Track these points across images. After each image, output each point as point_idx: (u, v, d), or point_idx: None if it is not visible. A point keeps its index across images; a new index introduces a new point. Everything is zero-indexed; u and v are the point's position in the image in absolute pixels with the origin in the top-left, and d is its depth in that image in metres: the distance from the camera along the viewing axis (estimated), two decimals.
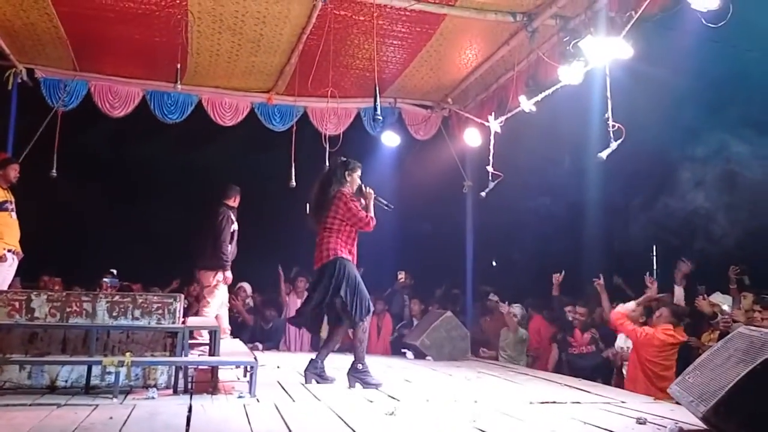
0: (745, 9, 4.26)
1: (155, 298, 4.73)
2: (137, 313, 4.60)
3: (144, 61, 7.39)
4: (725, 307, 5.34)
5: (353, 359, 4.91)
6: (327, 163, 7.14)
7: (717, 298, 5.75)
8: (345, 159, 5.24)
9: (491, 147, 6.05)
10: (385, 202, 5.18)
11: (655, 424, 3.69)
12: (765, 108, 5.53)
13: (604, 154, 5.12)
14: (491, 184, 5.73)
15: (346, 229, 4.97)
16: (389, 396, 4.49)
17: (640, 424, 3.69)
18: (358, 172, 5.19)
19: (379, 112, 5.98)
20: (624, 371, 5.97)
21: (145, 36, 6.72)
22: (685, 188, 6.34)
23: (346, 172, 5.14)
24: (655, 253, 6.75)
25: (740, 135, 5.86)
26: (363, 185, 5.16)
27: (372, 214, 5.04)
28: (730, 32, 4.36)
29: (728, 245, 6.22)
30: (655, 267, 6.80)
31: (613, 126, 4.92)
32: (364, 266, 9.34)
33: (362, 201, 5.11)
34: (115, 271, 6.07)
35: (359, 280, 4.91)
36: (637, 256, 6.83)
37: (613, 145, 5.02)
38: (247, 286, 8.55)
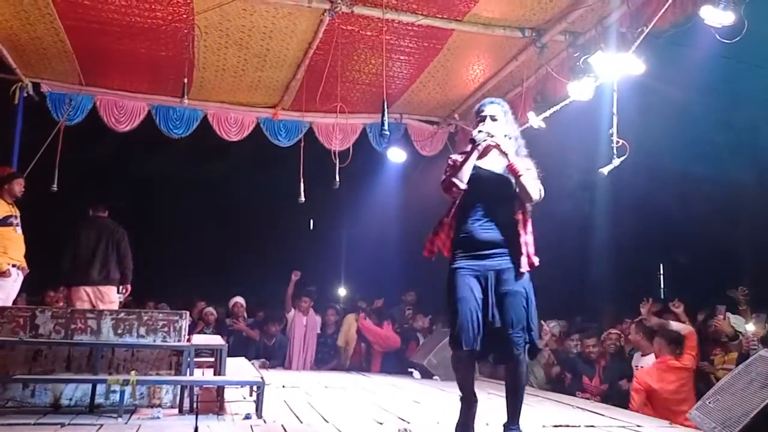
0: (759, 25, 4.22)
1: (160, 315, 4.65)
2: (142, 330, 4.52)
3: (150, 75, 7.38)
4: (749, 327, 5.23)
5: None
6: (337, 179, 7.10)
7: (731, 320, 5.65)
8: None
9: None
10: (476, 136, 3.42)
11: None
12: None
13: (605, 170, 5.06)
14: None
15: (453, 207, 3.48)
16: (399, 418, 4.40)
17: None
18: (481, 113, 3.51)
19: (386, 127, 5.89)
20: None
21: (151, 50, 6.70)
22: (695, 206, 6.28)
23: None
24: (662, 272, 6.68)
25: (751, 152, 5.81)
26: (475, 132, 3.45)
27: (459, 171, 3.35)
28: (744, 48, 4.31)
29: (737, 264, 6.16)
30: (662, 285, 6.72)
31: (618, 142, 4.87)
32: (372, 285, 9.35)
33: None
34: (124, 288, 6.02)
35: (455, 294, 3.31)
36: (646, 273, 6.77)
37: (616, 161, 4.97)
38: (241, 300, 8.46)
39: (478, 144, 3.35)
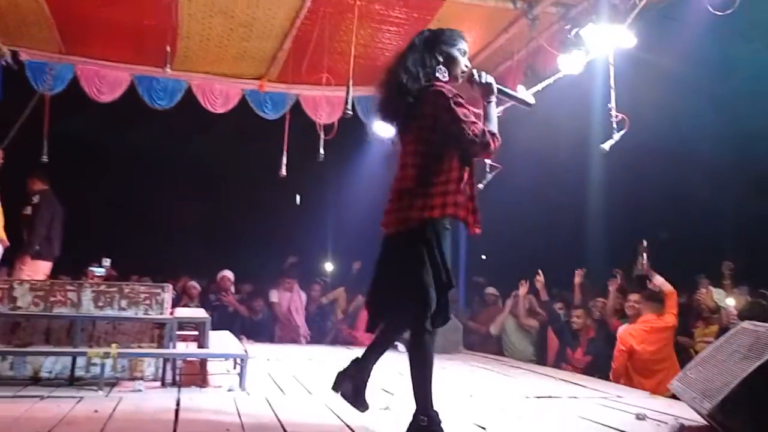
0: None
1: (142, 288, 4.60)
2: (124, 303, 4.47)
3: (132, 44, 7.20)
4: (729, 302, 5.27)
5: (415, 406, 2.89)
6: (321, 152, 7.00)
7: (714, 293, 5.70)
8: (436, 28, 3.06)
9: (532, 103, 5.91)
10: (520, 97, 3.09)
11: (654, 420, 3.63)
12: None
13: (606, 146, 5.00)
14: (489, 176, 5.61)
15: (448, 160, 2.84)
16: (383, 390, 4.39)
17: (640, 419, 3.63)
18: (462, 46, 2.99)
19: (350, 106, 5.83)
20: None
21: (133, 18, 6.53)
22: (687, 180, 6.27)
23: (439, 48, 2.94)
24: (645, 245, 6.67)
25: (743, 126, 5.79)
26: (476, 70, 2.99)
27: (495, 124, 2.88)
28: (736, 22, 4.25)
29: (726, 238, 6.20)
30: (645, 259, 6.73)
31: (617, 116, 4.82)
32: (358, 259, 9.30)
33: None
34: (108, 260, 5.89)
35: (445, 261, 2.82)
36: (631, 248, 6.75)
37: (616, 136, 4.91)
38: (229, 273, 8.41)
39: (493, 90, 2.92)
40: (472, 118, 2.82)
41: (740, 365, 2.98)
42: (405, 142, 2.95)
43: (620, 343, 5.47)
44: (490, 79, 2.94)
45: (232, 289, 8.43)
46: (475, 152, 2.85)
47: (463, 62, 2.99)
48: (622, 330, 5.59)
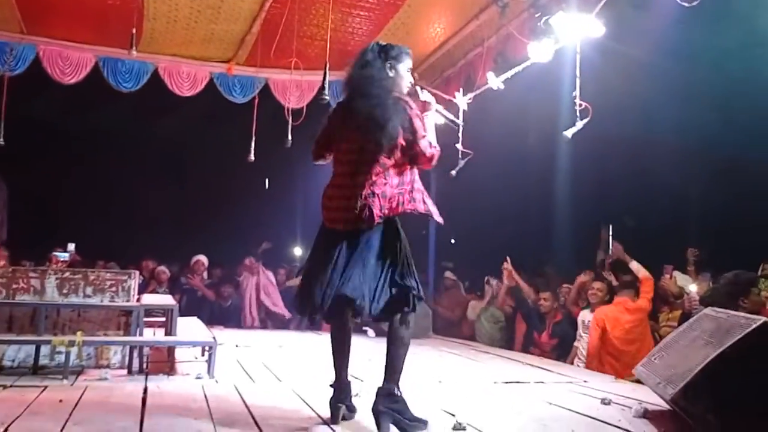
0: None
1: (108, 275, 4.54)
2: (89, 290, 4.40)
3: (97, 25, 7.01)
4: (692, 288, 5.39)
5: (385, 379, 3.06)
6: (290, 137, 6.95)
7: (678, 279, 5.82)
8: (385, 43, 3.16)
9: (460, 124, 5.93)
10: (451, 117, 3.38)
11: (619, 404, 3.70)
12: (736, 89, 5.56)
13: (569, 133, 5.05)
14: (461, 163, 5.61)
15: (402, 163, 2.99)
16: (353, 376, 4.40)
17: (605, 404, 3.70)
18: (408, 63, 3.15)
19: (326, 92, 5.79)
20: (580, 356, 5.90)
21: None
22: (654, 169, 6.37)
23: (389, 63, 3.08)
24: (611, 233, 6.79)
25: (709, 115, 5.89)
26: (418, 87, 3.22)
27: (434, 136, 3.07)
28: (704, 12, 4.31)
29: (692, 225, 6.32)
30: (609, 246, 6.85)
31: (580, 105, 4.87)
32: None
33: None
34: (73, 245, 5.73)
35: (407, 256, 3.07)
36: (594, 234, 6.87)
37: (579, 124, 4.96)
38: (204, 258, 8.32)
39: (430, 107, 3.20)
40: (423, 132, 3.00)
41: (702, 352, 3.05)
42: (362, 143, 2.99)
43: (595, 320, 5.55)
44: (430, 98, 3.20)
45: (205, 274, 8.35)
46: (422, 163, 3.03)
47: (408, 79, 3.17)
48: (598, 311, 5.66)
